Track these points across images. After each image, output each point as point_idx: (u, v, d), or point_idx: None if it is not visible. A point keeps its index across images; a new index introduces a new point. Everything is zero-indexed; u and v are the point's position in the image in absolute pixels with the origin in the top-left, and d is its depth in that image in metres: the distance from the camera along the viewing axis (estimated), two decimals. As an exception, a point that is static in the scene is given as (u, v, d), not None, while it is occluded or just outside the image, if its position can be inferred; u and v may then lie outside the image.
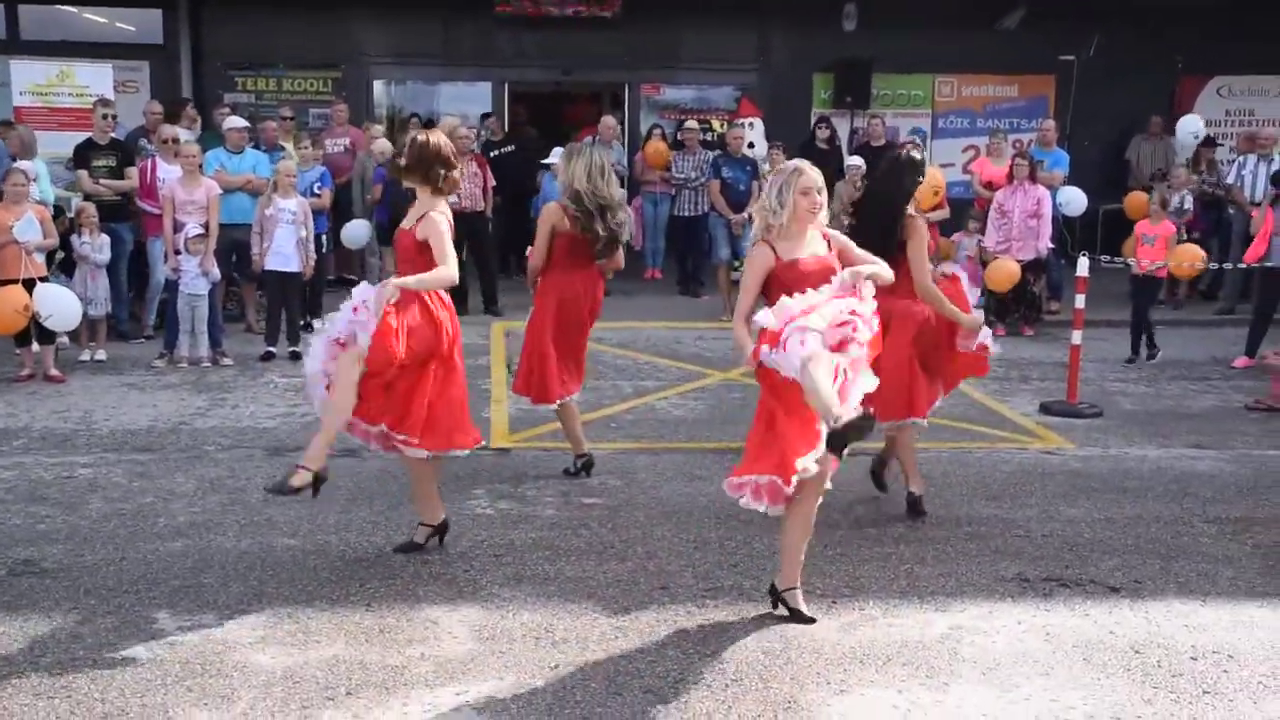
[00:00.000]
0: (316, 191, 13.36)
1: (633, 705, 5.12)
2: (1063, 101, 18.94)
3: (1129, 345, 12.77)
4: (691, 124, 16.57)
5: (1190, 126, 16.25)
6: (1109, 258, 13.75)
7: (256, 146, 13.83)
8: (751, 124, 16.22)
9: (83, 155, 13.18)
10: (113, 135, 13.40)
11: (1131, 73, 18.41)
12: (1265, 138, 15.71)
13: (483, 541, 7.05)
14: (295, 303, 12.42)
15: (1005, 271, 13.42)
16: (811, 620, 5.99)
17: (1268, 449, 9.51)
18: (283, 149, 13.70)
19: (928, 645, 5.77)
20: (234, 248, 12.52)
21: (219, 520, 7.44)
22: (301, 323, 12.58)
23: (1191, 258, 12.99)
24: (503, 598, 6.23)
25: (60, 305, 10.99)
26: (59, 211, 12.59)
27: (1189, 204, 13.69)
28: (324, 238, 13.42)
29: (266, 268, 12.16)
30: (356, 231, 14.65)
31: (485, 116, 17.48)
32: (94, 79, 15.71)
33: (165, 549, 6.93)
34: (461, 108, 18.74)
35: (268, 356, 12.08)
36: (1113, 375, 11.98)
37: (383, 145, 14.68)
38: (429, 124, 16.76)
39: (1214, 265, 13.99)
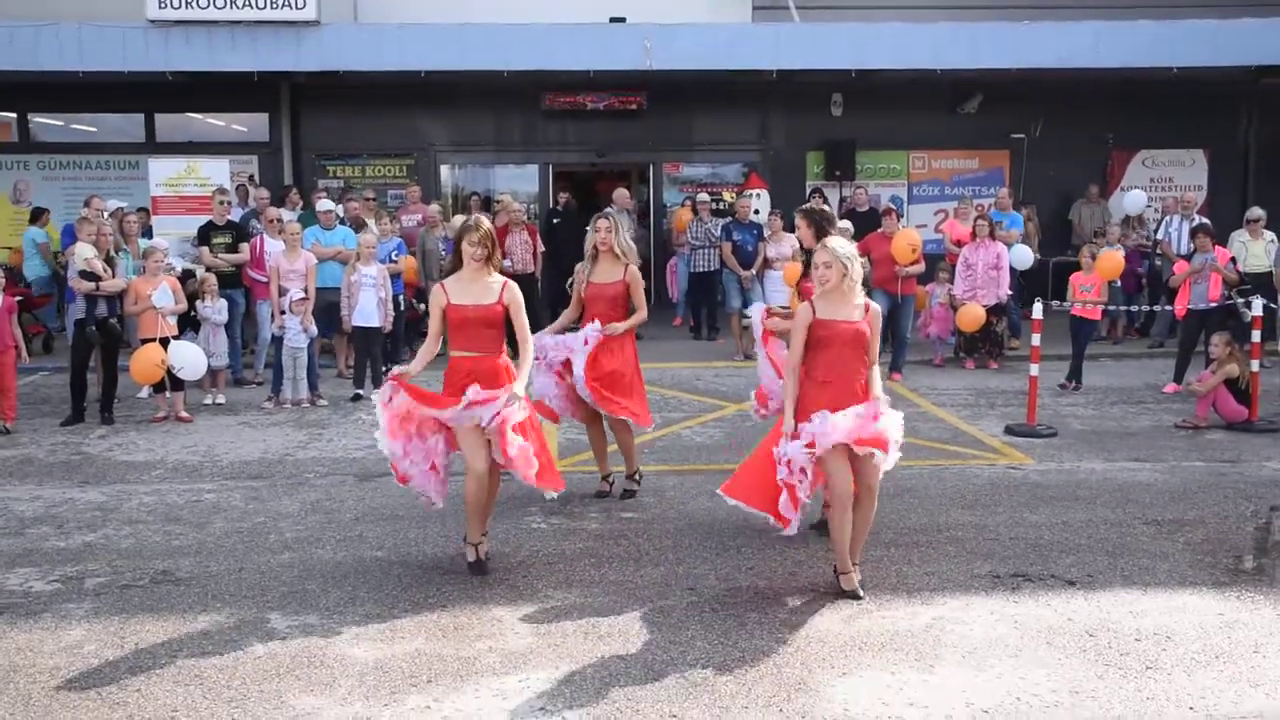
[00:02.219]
0: (394, 259, 13.41)
1: (668, 689, 5.12)
2: (1015, 172, 18.93)
3: (1071, 374, 12.72)
4: (703, 196, 16.60)
5: (1140, 200, 16.27)
6: (1058, 302, 13.70)
7: (344, 223, 13.92)
8: (758, 195, 16.23)
9: (204, 234, 13.29)
10: (229, 217, 13.51)
11: (1071, 148, 18.46)
12: (1188, 200, 15.80)
13: (538, 551, 7.06)
14: (378, 352, 12.41)
15: (973, 315, 13.41)
16: (858, 597, 6.18)
17: (1194, 461, 9.46)
18: (365, 225, 13.78)
19: (915, 633, 5.76)
20: (327, 308, 12.55)
21: (319, 536, 7.48)
22: (383, 369, 12.54)
23: (973, 319, 13.35)
24: (555, 599, 6.24)
25: (189, 359, 11.08)
26: (187, 276, 12.70)
27: (1120, 256, 13.68)
28: (400, 298, 13.46)
29: (354, 324, 12.21)
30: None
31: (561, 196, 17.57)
32: (214, 171, 15.86)
33: (275, 560, 6.99)
34: (513, 186, 18.84)
35: (356, 398, 12.07)
36: (1065, 401, 11.91)
37: (450, 224, 14.77)
38: (486, 203, 16.97)
39: (1146, 307, 13.95)
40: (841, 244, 6.40)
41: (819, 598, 6.24)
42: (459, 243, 6.67)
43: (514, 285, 6.72)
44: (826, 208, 6.83)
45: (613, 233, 7.99)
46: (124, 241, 12.14)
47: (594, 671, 5.32)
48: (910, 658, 5.46)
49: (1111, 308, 13.42)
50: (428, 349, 6.69)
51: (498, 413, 6.28)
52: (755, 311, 8.06)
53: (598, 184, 19.15)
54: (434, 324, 6.72)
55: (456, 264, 6.70)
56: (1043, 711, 4.92)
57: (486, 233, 6.61)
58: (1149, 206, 16.78)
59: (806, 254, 7.59)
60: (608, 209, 9.97)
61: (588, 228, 8.14)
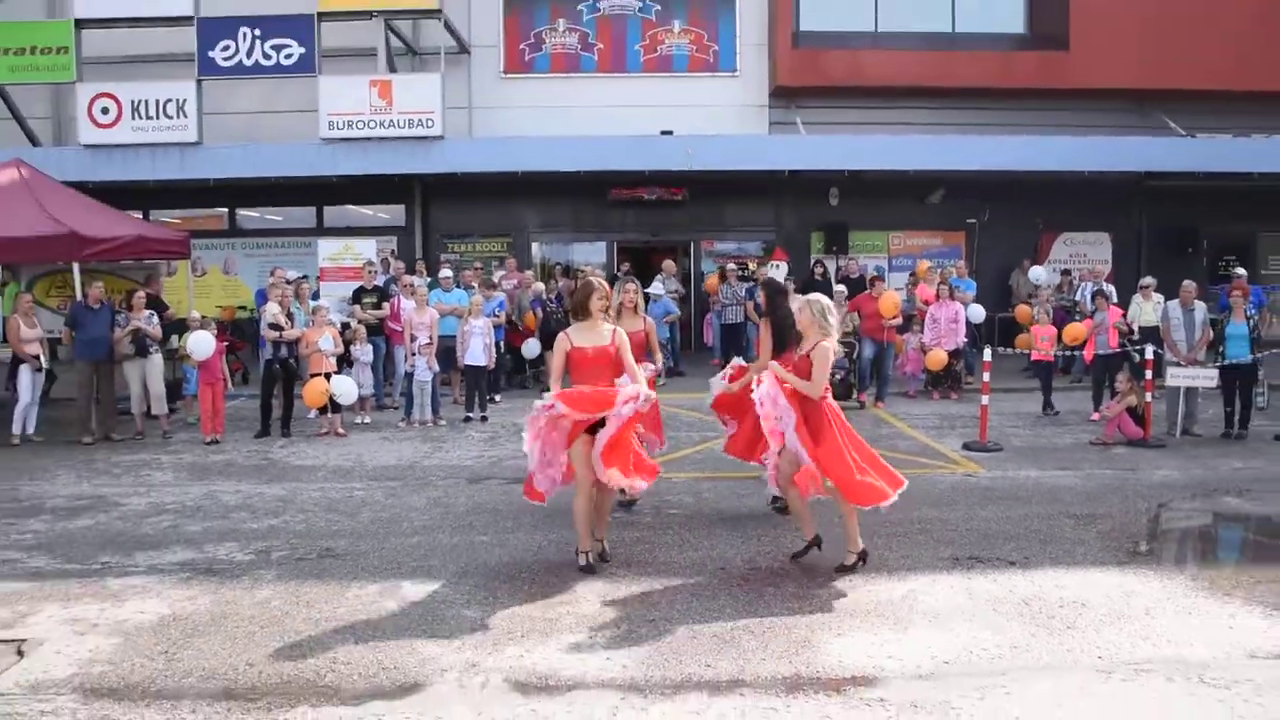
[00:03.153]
0: (496, 314, 13.51)
1: (704, 644, 5.14)
2: (969, 248, 18.83)
3: (1039, 405, 12.60)
4: (731, 265, 16.65)
5: (1040, 274, 16.27)
6: (1002, 348, 13.66)
7: (459, 286, 14.09)
8: (778, 265, 16.23)
9: (357, 295, 13.38)
10: (375, 283, 13.74)
11: (1010, 230, 18.35)
12: (1097, 271, 15.83)
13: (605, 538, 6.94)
14: (483, 385, 12.45)
15: (938, 358, 13.33)
16: (853, 569, 6.23)
17: (1104, 469, 9.37)
18: (474, 288, 13.94)
19: (893, 603, 5.76)
20: (446, 351, 12.61)
21: (439, 524, 7.53)
22: (487, 398, 12.68)
23: (937, 361, 13.31)
24: (617, 575, 6.25)
25: (346, 389, 11.22)
26: (344, 327, 12.93)
27: (1049, 313, 13.61)
28: (501, 344, 13.57)
29: (465, 364, 12.25)
30: (532, 348, 14.88)
31: (624, 265, 17.60)
32: (364, 248, 16.12)
33: (407, 543, 7.04)
34: (587, 258, 18.99)
35: (467, 420, 12.12)
36: (1008, 424, 11.76)
37: (538, 287, 14.94)
38: (566, 270, 17.11)
39: (1066, 352, 13.86)
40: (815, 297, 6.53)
41: (820, 576, 6.24)
42: (586, 299, 6.33)
43: (621, 330, 6.45)
44: (781, 281, 6.80)
45: (638, 293, 7.94)
46: (299, 301, 12.36)
47: (646, 630, 5.34)
48: (889, 622, 5.46)
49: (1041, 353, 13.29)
50: (555, 386, 6.24)
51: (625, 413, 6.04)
52: (715, 386, 7.95)
53: (651, 256, 19.24)
54: (557, 365, 6.35)
55: (582, 316, 6.35)
56: (989, 662, 4.92)
57: (607, 290, 6.45)
58: (1064, 275, 16.79)
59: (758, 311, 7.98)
60: (631, 274, 9.93)
61: (615, 287, 7.65)
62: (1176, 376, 11.08)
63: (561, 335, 6.42)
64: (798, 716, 4.34)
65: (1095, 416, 11.75)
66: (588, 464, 6.12)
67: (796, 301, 14.00)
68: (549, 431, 6.18)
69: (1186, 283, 11.70)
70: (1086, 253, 19.06)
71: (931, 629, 5.34)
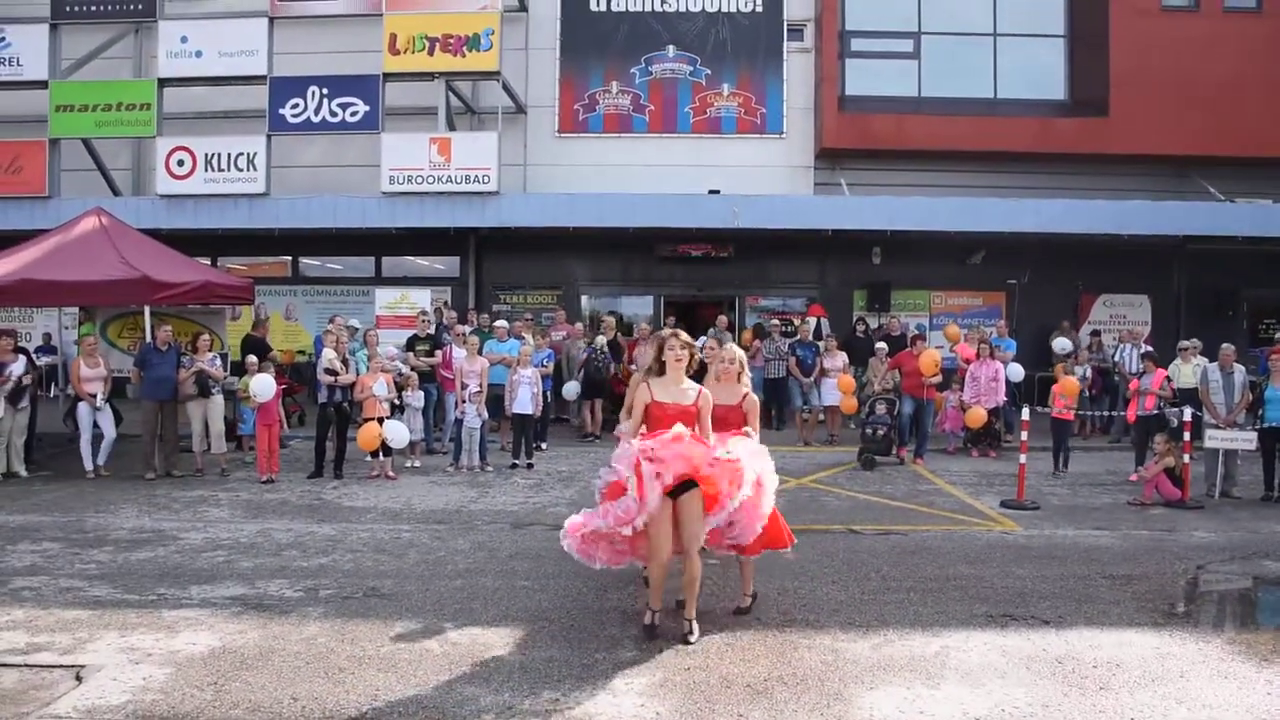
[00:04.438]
0: (545, 364, 13.62)
1: (738, 694, 5.09)
2: (1010, 308, 18.66)
3: (1052, 463, 12.46)
4: (774, 321, 16.64)
5: (1062, 345, 16.02)
6: (1041, 406, 13.50)
7: (510, 336, 14.24)
8: (812, 321, 16.20)
9: (410, 343, 13.59)
10: (429, 332, 13.93)
11: (1050, 291, 18.20)
12: (1136, 333, 15.60)
13: (644, 589, 6.61)
14: (530, 433, 12.51)
15: (977, 415, 13.21)
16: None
17: (1141, 530, 9.19)
18: (524, 339, 14.09)
19: (927, 658, 5.66)
20: (495, 399, 12.69)
21: (483, 568, 7.53)
22: (534, 445, 12.73)
23: (977, 418, 13.18)
24: (656, 624, 6.03)
25: (397, 433, 11.32)
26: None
27: (1089, 373, 13.41)
28: (548, 393, 13.65)
29: (514, 411, 12.33)
30: (571, 389, 15.01)
31: (669, 319, 17.63)
32: (420, 298, 16.44)
33: (451, 585, 7.05)
34: (635, 310, 19.10)
35: (513, 467, 12.18)
36: (1046, 484, 11.60)
37: (600, 339, 15.03)
38: (617, 319, 17.21)
39: (1105, 414, 13.65)
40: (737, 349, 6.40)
41: (853, 629, 6.16)
42: (660, 351, 5.93)
43: (707, 392, 5.96)
44: (665, 331, 6.25)
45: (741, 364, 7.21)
46: (367, 349, 12.54)
47: (681, 678, 5.30)
48: (922, 677, 5.37)
49: (1082, 412, 13.10)
50: (630, 437, 5.86)
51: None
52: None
53: (697, 310, 19.32)
54: (636, 418, 5.93)
55: (660, 369, 5.94)
56: (1021, 721, 4.84)
57: (686, 341, 5.98)
58: (1108, 333, 16.57)
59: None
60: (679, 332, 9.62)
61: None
62: (1215, 438, 10.87)
63: (642, 385, 5.96)
64: (827, 768, 4.28)
65: (1134, 478, 11.52)
66: (666, 539, 5.67)
67: (836, 358, 13.93)
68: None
69: (1226, 346, 11.53)
70: (1126, 314, 18.82)
71: (964, 685, 5.25)
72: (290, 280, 19.29)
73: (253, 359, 12.19)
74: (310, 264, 19.52)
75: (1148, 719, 4.85)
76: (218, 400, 11.74)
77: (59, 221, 13.94)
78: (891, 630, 6.15)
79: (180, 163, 17.14)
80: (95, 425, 11.49)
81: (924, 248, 17.95)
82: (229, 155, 17.15)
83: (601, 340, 15.02)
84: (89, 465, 11.31)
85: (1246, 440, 10.76)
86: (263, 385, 11.10)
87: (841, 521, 9.38)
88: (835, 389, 14.24)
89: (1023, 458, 10.58)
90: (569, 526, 5.92)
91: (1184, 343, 13.32)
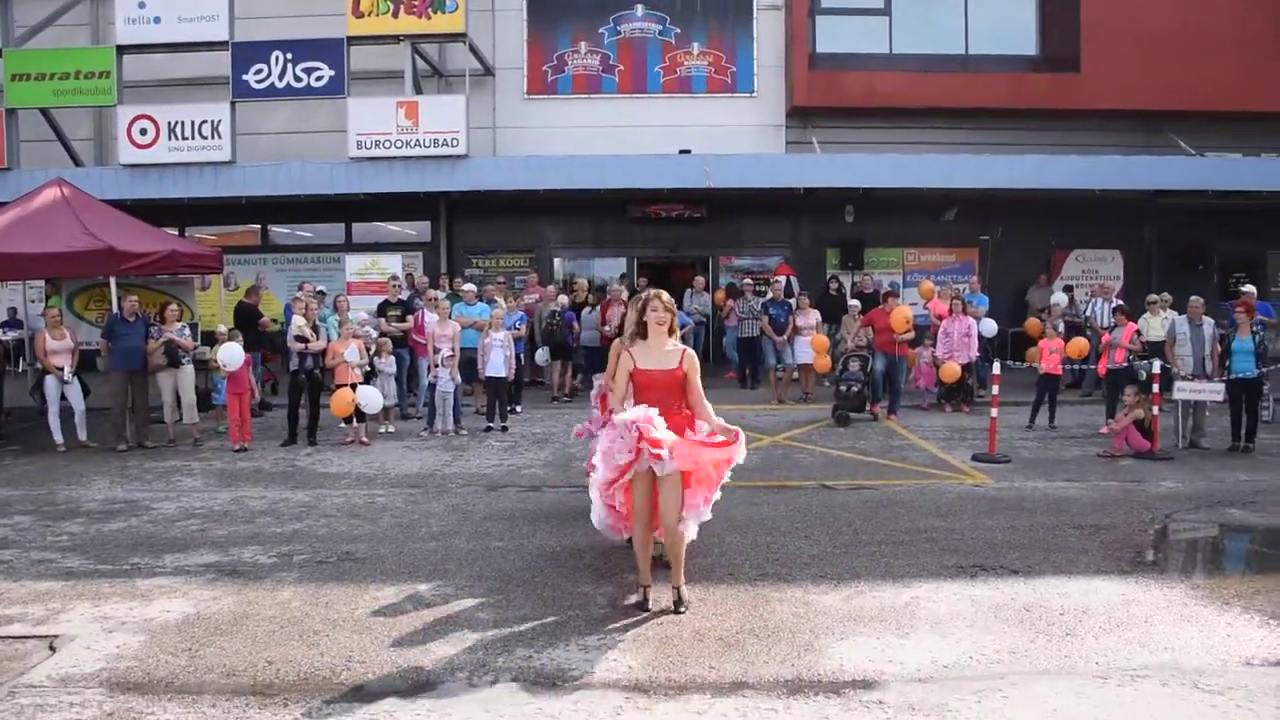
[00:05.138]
0: (518, 327, 13.58)
1: (710, 647, 5.16)
2: (983, 265, 18.77)
3: (1029, 417, 12.55)
4: (747, 281, 16.65)
5: (1057, 299, 16.10)
6: (1013, 362, 13.61)
7: (481, 300, 14.17)
8: (780, 280, 16.22)
9: (381, 309, 13.54)
10: (400, 297, 13.85)
11: (1023, 247, 18.30)
12: (1108, 287, 15.72)
13: (617, 549, 6.80)
14: (504, 396, 12.51)
15: (952, 370, 13.31)
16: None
17: (1110, 481, 9.32)
18: (496, 302, 14.01)
19: (897, 609, 5.75)
20: (468, 363, 12.63)
21: (457, 530, 7.57)
22: (508, 408, 12.74)
23: (951, 374, 13.26)
24: (629, 581, 6.19)
25: (370, 398, 11.29)
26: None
27: (1061, 328, 13.50)
28: (521, 356, 13.60)
29: (486, 375, 12.30)
30: (542, 355, 15.01)
31: (642, 280, 17.69)
32: (390, 264, 16.34)
33: (425, 547, 7.09)
34: (608, 273, 19.03)
35: (488, 430, 12.19)
36: (1018, 437, 11.74)
37: (562, 299, 15.04)
38: (590, 282, 17.18)
39: (1077, 366, 13.79)
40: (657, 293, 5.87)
41: (826, 582, 6.24)
42: (641, 313, 5.73)
43: (692, 352, 5.75)
44: (647, 292, 6.00)
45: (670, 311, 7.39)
46: (338, 315, 12.43)
47: (654, 633, 5.36)
48: (892, 627, 5.45)
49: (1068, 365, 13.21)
50: (618, 409, 5.68)
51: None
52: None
53: (671, 271, 19.29)
54: (620, 386, 5.74)
55: (641, 333, 5.75)
56: (988, 666, 4.91)
57: (668, 302, 5.76)
58: (1079, 288, 16.67)
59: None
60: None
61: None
62: (1183, 390, 11.01)
63: (624, 353, 5.76)
64: (797, 717, 4.35)
65: (1104, 430, 11.67)
66: (648, 504, 5.63)
67: (809, 316, 14.00)
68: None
69: (1194, 299, 11.64)
70: (1098, 269, 18.97)
71: (933, 634, 5.33)
72: (259, 248, 19.08)
73: (222, 328, 12.07)
74: (279, 232, 19.32)
75: (1112, 662, 4.95)
76: (188, 370, 11.64)
77: (18, 193, 13.67)
78: (863, 582, 6.23)
79: (143, 131, 16.84)
80: (63, 398, 11.37)
81: (897, 205, 17.96)
82: (193, 123, 16.87)
83: (564, 300, 14.97)
84: (58, 439, 11.20)
85: (1214, 392, 10.90)
86: (231, 354, 11.00)
87: (815, 477, 9.45)
88: (809, 347, 14.29)
89: (994, 412, 10.68)
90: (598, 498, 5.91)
91: (1153, 296, 13.47)
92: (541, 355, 14.90)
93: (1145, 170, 16.95)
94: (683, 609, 5.66)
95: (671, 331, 5.74)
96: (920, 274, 18.92)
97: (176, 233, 17.16)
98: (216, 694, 4.63)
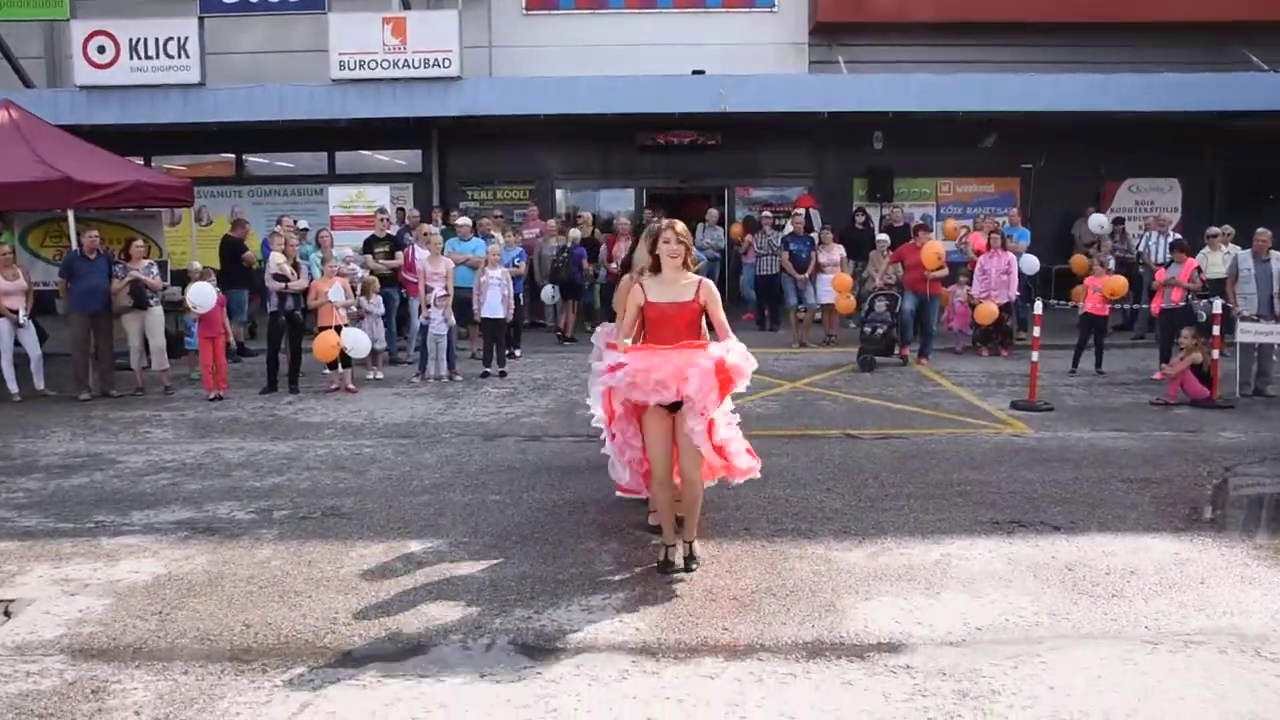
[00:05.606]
0: (517, 264, 13.53)
1: (723, 607, 5.15)
2: (1025, 195, 18.52)
3: (1071, 361, 12.46)
4: (766, 214, 16.45)
5: (1102, 221, 15.95)
6: (1056, 302, 13.47)
7: (477, 235, 14.07)
8: (800, 213, 16.06)
9: (368, 245, 13.48)
10: (388, 232, 13.74)
11: (1070, 176, 18.04)
12: (1163, 220, 15.43)
13: (624, 500, 6.56)
14: (502, 338, 12.49)
15: (989, 311, 13.18)
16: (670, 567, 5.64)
17: (1164, 431, 9.25)
18: (493, 237, 13.91)
19: (926, 567, 5.71)
20: (463, 303, 12.58)
21: (451, 482, 7.58)
22: (506, 352, 12.71)
23: (988, 314, 13.07)
24: (636, 536, 6.24)
25: (357, 342, 11.25)
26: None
27: (1111, 265, 13.32)
28: (521, 295, 13.56)
29: (483, 316, 12.25)
30: (549, 293, 14.94)
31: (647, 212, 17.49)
32: (378, 196, 16.20)
33: (417, 501, 7.10)
34: (614, 206, 18.89)
35: (484, 375, 12.18)
36: (1061, 383, 11.65)
37: (574, 233, 14.93)
38: (595, 217, 17.05)
39: (1129, 306, 13.63)
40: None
41: (850, 538, 6.21)
42: (653, 244, 5.66)
43: (710, 283, 5.66)
44: (660, 222, 5.81)
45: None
46: (321, 251, 12.37)
47: (663, 592, 5.35)
48: (921, 586, 5.42)
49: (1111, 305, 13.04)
50: (623, 339, 5.56)
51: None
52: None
53: (683, 204, 19.11)
54: (628, 320, 5.62)
55: (654, 268, 5.67)
56: (1025, 629, 4.87)
57: (682, 231, 5.63)
58: (1133, 221, 16.42)
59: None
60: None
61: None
62: (1246, 332, 10.88)
63: (635, 287, 5.67)
64: (816, 683, 4.33)
65: (1158, 375, 11.57)
66: (667, 454, 5.54)
67: (833, 252, 13.89)
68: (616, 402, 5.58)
69: (1261, 231, 11.44)
70: (1153, 200, 18.72)
71: (965, 595, 5.30)
72: (234, 180, 18.96)
73: (196, 265, 12.00)
74: (256, 162, 19.17)
75: (1164, 627, 4.90)
76: (156, 312, 11.58)
77: (-40, 118, 13.53)
78: (889, 539, 6.20)
79: (101, 49, 16.58)
80: (17, 344, 11.30)
81: (930, 131, 17.68)
82: (157, 40, 16.61)
83: (575, 234, 14.87)
84: (12, 387, 11.14)
85: (1280, 333, 10.77)
86: (201, 294, 10.93)
87: (838, 426, 9.42)
88: (832, 286, 14.18)
89: (1035, 355, 10.58)
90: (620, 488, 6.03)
91: (1214, 229, 13.25)
92: (549, 294, 14.86)
93: (1209, 89, 16.53)
94: (694, 566, 5.65)
95: (687, 265, 5.67)
96: (954, 206, 18.73)
97: (141, 163, 16.99)
98: (189, 660, 4.62)
